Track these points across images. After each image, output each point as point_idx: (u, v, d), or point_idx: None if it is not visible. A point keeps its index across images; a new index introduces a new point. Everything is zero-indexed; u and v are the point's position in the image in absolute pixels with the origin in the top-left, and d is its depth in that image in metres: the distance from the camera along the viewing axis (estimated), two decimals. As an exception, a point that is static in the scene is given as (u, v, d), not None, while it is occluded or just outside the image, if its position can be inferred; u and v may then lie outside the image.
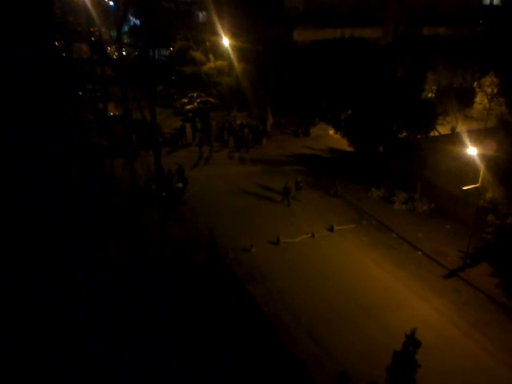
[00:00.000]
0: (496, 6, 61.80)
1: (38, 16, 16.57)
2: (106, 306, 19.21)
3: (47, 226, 20.01)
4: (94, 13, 27.44)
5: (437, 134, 34.99)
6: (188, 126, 39.06)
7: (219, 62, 49.56)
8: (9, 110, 17.25)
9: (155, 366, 17.21)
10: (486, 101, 40.57)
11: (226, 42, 44.63)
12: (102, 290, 19.83)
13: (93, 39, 30.52)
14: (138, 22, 67.26)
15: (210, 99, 46.34)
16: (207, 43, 52.05)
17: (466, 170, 25.09)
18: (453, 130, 39.58)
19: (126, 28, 62.79)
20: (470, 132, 30.28)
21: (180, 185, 29.82)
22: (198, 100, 45.75)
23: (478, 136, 28.45)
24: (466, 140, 24.14)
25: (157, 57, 59.50)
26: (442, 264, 24.12)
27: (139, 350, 17.61)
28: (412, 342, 15.02)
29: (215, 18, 45.98)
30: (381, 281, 22.84)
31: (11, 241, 18.66)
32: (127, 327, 18.46)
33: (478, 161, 22.92)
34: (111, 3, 64.35)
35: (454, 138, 32.14)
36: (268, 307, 20.08)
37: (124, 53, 48.90)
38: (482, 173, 22.64)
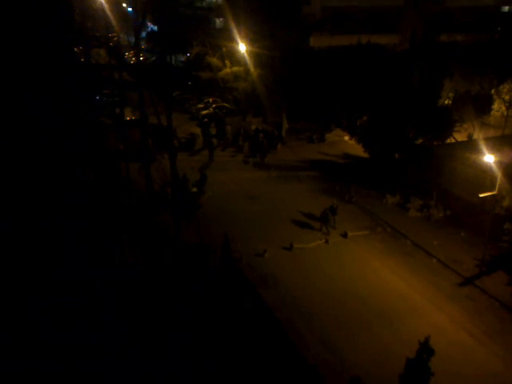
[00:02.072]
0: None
1: (58, 22, 16.92)
2: (118, 307, 19.39)
3: (61, 227, 20.30)
4: (112, 19, 27.89)
5: (453, 140, 34.75)
6: (206, 131, 39.46)
7: (235, 68, 49.87)
8: (26, 114, 17.58)
9: (165, 370, 17.30)
10: (503, 108, 40.23)
11: (242, 47, 44.84)
12: (115, 291, 20.03)
13: (111, 45, 30.93)
14: (155, 28, 68.11)
15: (225, 104, 46.58)
16: (224, 49, 52.41)
17: (483, 177, 24.88)
18: (470, 137, 39.24)
19: (143, 34, 63.53)
20: (487, 139, 30.01)
21: (195, 189, 30.01)
22: (214, 105, 46.02)
23: (495, 143, 28.16)
24: (483, 147, 23.96)
25: (174, 62, 60.05)
26: (457, 272, 23.88)
27: (150, 352, 17.73)
28: (426, 349, 14.89)
29: (232, 25, 46.27)
30: (395, 287, 22.71)
31: (24, 239, 18.95)
32: (139, 329, 18.60)
33: (494, 168, 22.72)
34: (130, 9, 65.14)
35: (470, 145, 31.87)
36: (280, 312, 20.14)
37: (141, 58, 49.43)
38: (498, 180, 22.43)
